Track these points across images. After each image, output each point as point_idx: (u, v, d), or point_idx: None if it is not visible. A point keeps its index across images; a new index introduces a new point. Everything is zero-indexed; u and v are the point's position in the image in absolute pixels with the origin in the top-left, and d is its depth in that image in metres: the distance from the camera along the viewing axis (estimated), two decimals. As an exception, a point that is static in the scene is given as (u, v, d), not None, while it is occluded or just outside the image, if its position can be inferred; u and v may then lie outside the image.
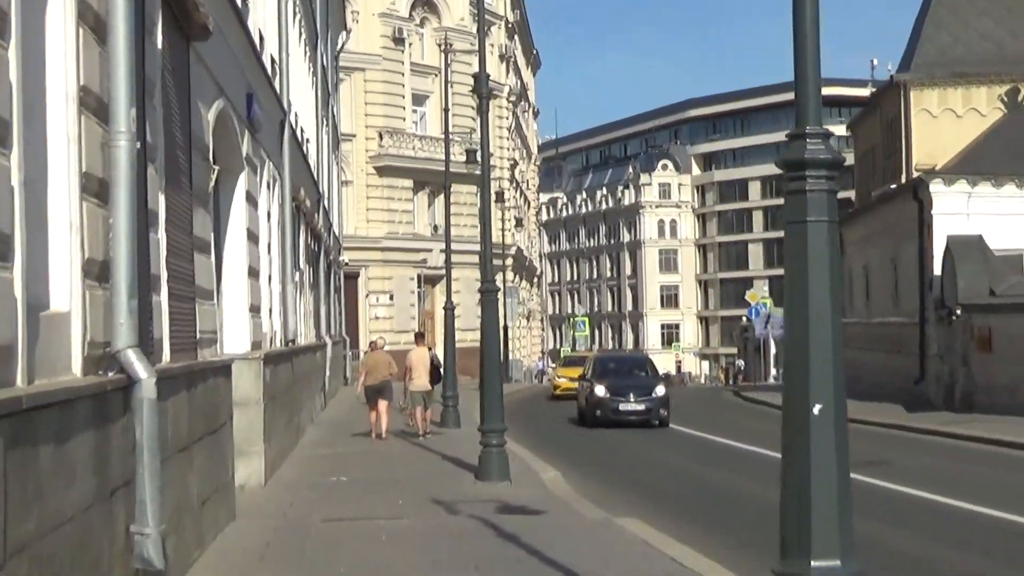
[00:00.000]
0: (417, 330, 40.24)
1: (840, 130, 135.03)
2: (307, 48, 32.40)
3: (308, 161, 30.96)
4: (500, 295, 58.58)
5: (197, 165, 12.69)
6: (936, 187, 36.05)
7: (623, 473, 21.66)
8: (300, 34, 30.51)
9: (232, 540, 12.86)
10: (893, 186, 40.80)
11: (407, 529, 13.73)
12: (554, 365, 34.66)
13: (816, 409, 5.62)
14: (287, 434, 21.62)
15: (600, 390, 32.01)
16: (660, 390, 32.04)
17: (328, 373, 35.24)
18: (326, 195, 38.31)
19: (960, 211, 35.87)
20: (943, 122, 40.38)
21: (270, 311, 20.48)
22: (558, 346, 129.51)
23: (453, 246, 32.22)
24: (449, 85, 31.59)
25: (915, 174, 39.41)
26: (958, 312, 33.73)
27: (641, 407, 31.54)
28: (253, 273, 17.92)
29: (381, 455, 22.66)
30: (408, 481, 18.27)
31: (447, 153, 33.68)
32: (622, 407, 31.42)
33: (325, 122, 39.70)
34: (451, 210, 33.76)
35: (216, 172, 13.54)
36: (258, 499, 16.15)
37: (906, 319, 39.16)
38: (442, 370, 28.43)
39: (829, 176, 5.70)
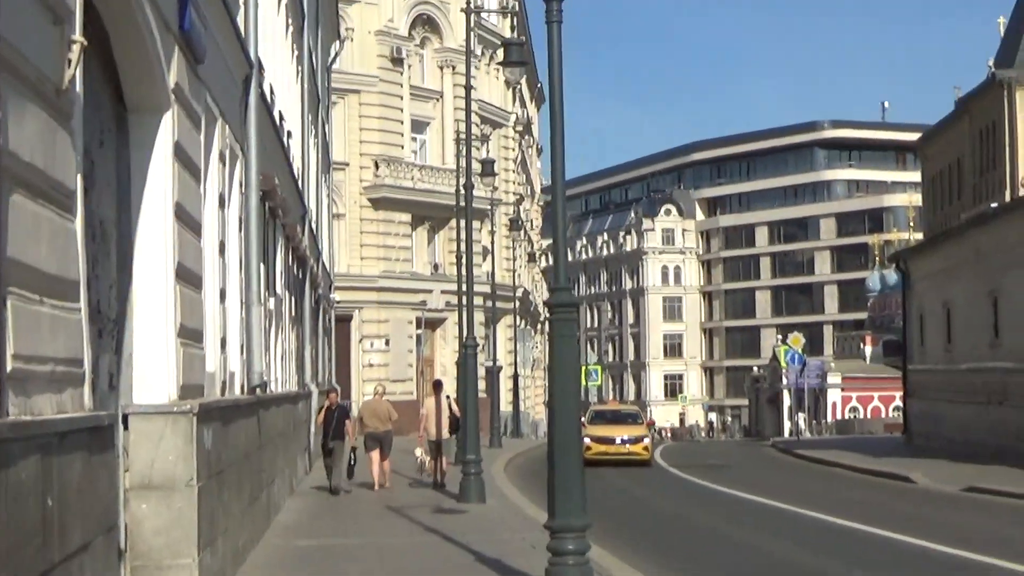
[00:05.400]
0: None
1: (848, 174, 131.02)
2: (289, 18, 25.83)
3: (290, 160, 24.31)
4: (511, 339, 52.06)
5: (26, 16, 6.09)
6: (1063, 203, 29.15)
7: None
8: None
9: None
10: (994, 205, 33.70)
11: None
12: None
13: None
14: (249, 522, 14.87)
15: None
16: None
17: (314, 428, 28.72)
18: (314, 221, 31.69)
19: (1091, 232, 29.14)
20: (1054, 129, 33.28)
21: (223, 341, 13.68)
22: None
23: (455, 287, 26.94)
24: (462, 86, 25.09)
25: (1022, 190, 32.60)
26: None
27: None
28: (188, 277, 11.22)
29: (394, 551, 15.97)
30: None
31: (469, 171, 27.18)
32: None
33: (313, 131, 33.17)
34: (459, 243, 27.76)
35: (81, 47, 6.89)
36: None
37: (1013, 364, 32.16)
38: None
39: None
